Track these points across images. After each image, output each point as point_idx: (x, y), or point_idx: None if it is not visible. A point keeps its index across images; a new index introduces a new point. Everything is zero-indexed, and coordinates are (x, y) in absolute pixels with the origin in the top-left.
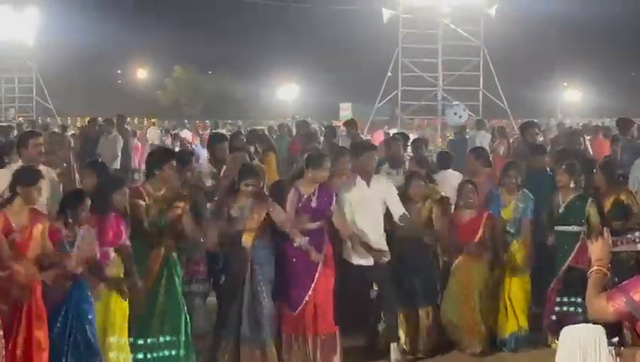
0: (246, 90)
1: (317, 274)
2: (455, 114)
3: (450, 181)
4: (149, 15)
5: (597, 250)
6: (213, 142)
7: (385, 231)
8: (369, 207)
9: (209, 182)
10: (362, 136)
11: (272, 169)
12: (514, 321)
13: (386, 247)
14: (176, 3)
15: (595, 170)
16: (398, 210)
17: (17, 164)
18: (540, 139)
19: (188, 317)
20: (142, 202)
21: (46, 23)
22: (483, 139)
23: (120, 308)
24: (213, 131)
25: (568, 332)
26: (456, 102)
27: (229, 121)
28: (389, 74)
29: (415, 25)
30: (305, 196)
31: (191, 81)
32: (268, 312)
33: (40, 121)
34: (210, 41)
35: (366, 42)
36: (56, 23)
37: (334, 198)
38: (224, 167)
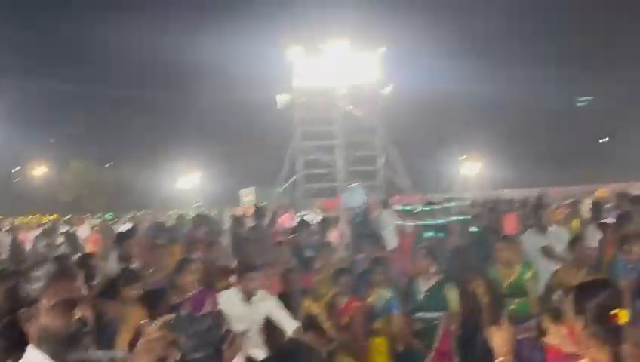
0: (147, 181)
1: None
2: (350, 194)
3: None
4: (44, 111)
5: (500, 340)
6: (121, 239)
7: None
8: (245, 325)
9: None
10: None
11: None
12: None
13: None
14: (72, 98)
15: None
16: (289, 326)
17: None
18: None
19: None
20: None
21: None
22: (388, 218)
23: None
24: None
25: None
26: (354, 184)
27: (130, 216)
28: (288, 158)
29: (312, 108)
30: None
31: (90, 175)
32: None
33: None
34: (108, 133)
35: (265, 128)
36: None
37: (214, 304)
38: (133, 264)
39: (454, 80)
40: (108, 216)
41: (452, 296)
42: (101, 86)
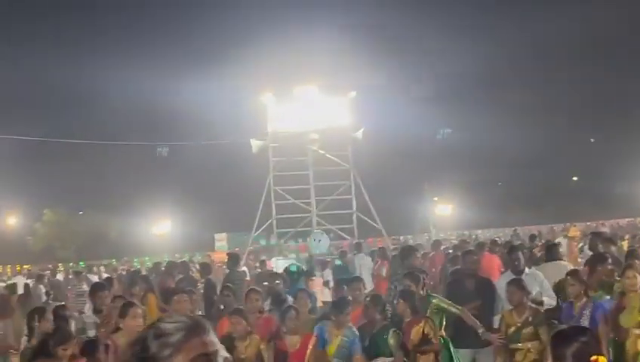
0: (119, 228)
1: None
2: (315, 240)
3: None
4: (13, 160)
5: None
6: (93, 291)
7: None
8: None
9: (92, 333)
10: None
11: (152, 310)
12: None
13: None
14: (40, 147)
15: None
16: None
17: None
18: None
19: None
20: None
21: None
22: (362, 262)
23: None
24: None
25: None
26: (317, 230)
27: (104, 263)
28: (262, 203)
29: (285, 153)
30: (118, 348)
31: (62, 223)
32: None
33: None
34: (78, 181)
35: (238, 173)
36: None
37: None
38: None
39: (424, 123)
40: (81, 265)
41: (395, 342)
42: (72, 135)
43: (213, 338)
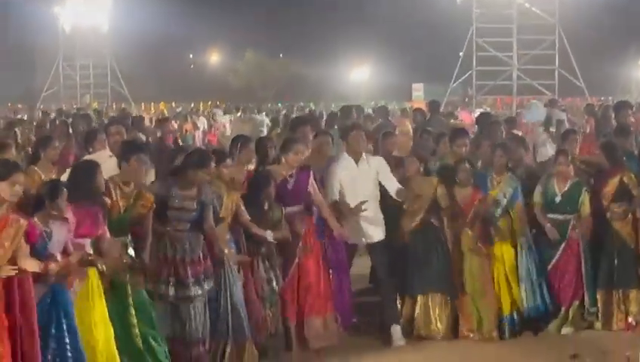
0: (318, 73)
1: (296, 258)
2: (534, 110)
3: None
4: (220, 0)
5: None
6: (295, 125)
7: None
8: (359, 185)
9: None
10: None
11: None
12: (508, 303)
13: (382, 223)
14: None
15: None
16: (392, 185)
17: (103, 152)
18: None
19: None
20: (107, 199)
21: (119, 9)
22: (555, 117)
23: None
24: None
25: None
26: (533, 101)
27: (301, 104)
28: (461, 54)
29: (489, 4)
30: (280, 179)
31: (262, 65)
32: (242, 306)
33: (114, 107)
34: (281, 24)
35: (439, 22)
36: (129, 9)
37: (311, 179)
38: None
39: None
40: (278, 105)
41: (586, 200)
42: None
43: None
